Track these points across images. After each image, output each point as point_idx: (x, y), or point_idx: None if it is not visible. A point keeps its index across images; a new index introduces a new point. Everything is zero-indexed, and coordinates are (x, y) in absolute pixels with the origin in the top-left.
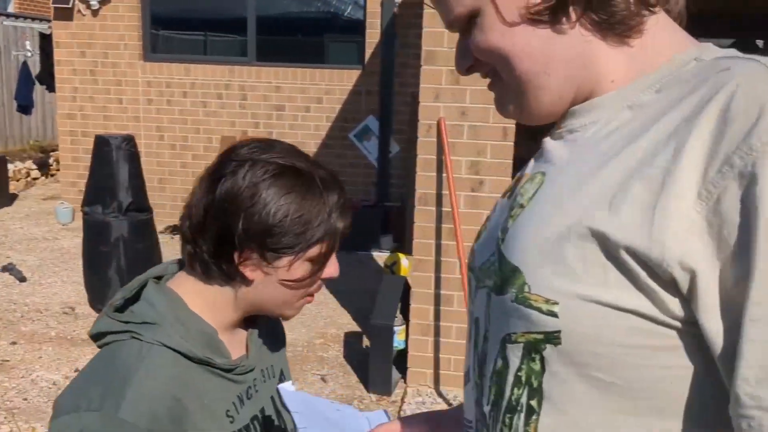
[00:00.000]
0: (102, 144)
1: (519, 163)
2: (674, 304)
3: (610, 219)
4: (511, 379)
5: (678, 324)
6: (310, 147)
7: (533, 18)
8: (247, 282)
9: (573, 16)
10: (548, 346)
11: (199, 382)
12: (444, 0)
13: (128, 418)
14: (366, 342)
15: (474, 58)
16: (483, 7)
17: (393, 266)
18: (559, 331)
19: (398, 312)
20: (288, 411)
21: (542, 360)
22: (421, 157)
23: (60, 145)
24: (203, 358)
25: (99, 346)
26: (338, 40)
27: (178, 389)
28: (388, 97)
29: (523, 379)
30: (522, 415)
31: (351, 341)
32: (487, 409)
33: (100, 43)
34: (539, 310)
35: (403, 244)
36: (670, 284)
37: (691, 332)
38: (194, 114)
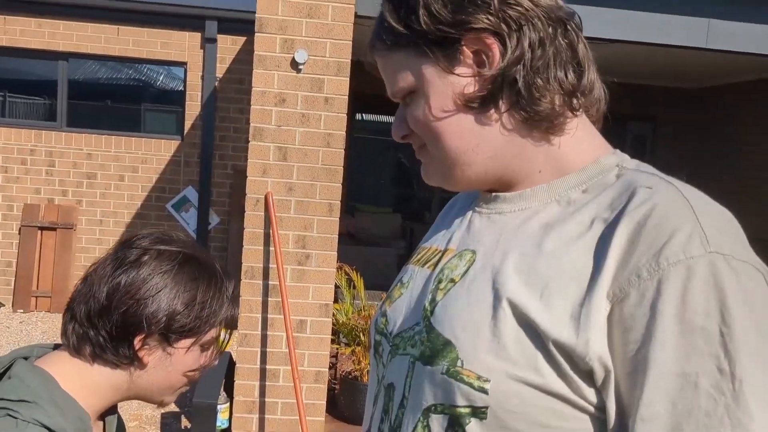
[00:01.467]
0: None
1: (342, 238)
2: (590, 393)
3: (543, 309)
4: None
5: (592, 410)
6: (124, 217)
7: (465, 104)
8: (141, 365)
9: (502, 107)
10: (473, 420)
11: None
12: (390, 72)
13: None
14: (185, 422)
15: (409, 129)
16: (422, 85)
17: None
18: (487, 407)
19: (222, 389)
20: None
21: None
22: (248, 231)
23: None
24: None
25: None
26: (157, 110)
27: None
28: (208, 168)
29: None
30: None
31: (169, 422)
32: None
33: None
34: (470, 385)
35: None
36: (588, 375)
37: (601, 419)
38: None
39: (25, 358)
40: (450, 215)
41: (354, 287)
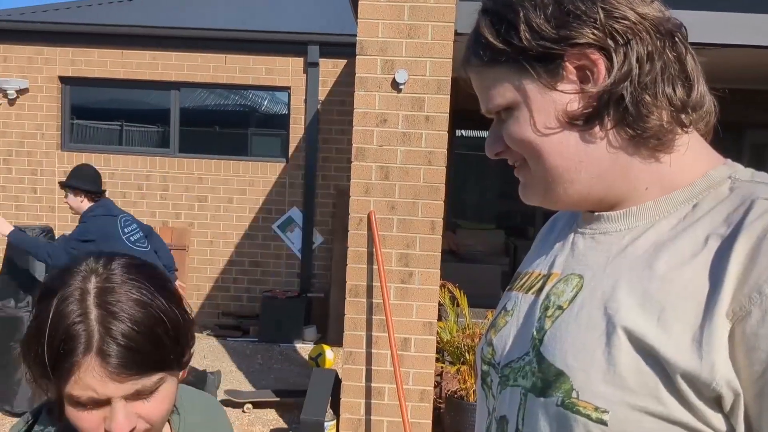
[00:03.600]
0: None
1: (445, 255)
2: (717, 419)
3: (662, 335)
4: None
5: None
6: (233, 238)
7: (569, 122)
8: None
9: (607, 125)
10: None
11: None
12: (485, 87)
13: None
14: None
15: (505, 145)
16: (521, 102)
17: (317, 358)
18: None
19: (329, 407)
20: None
21: None
22: (352, 250)
23: None
24: None
25: None
26: (262, 134)
27: None
28: (312, 189)
29: None
30: None
31: None
32: None
33: (15, 132)
34: (588, 417)
35: (326, 335)
36: (715, 401)
37: None
38: None
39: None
40: (551, 237)
41: (458, 305)
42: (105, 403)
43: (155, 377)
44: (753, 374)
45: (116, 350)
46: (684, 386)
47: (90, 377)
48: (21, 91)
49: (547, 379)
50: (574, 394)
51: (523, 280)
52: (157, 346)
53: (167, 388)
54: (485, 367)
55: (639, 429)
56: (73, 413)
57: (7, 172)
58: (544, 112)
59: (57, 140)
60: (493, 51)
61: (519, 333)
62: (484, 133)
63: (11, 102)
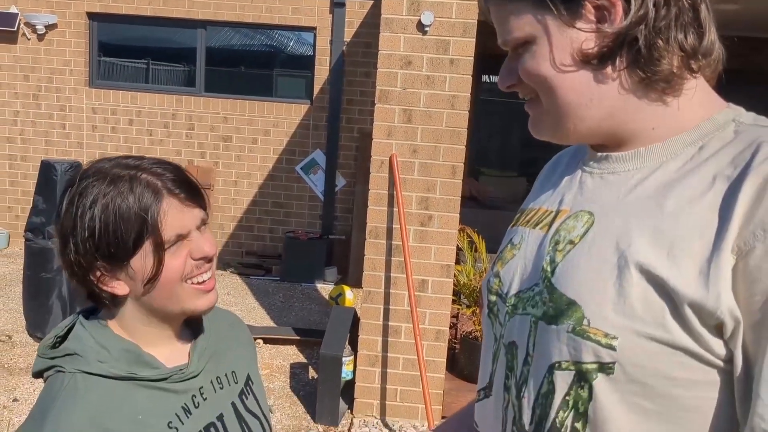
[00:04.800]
0: (47, 169)
1: (466, 201)
2: (717, 345)
3: (672, 268)
4: (557, 402)
5: (720, 363)
6: (256, 178)
7: (583, 60)
8: (122, 299)
9: (619, 65)
10: (600, 375)
11: (131, 400)
12: (504, 20)
13: None
14: (312, 373)
15: (518, 79)
16: (539, 37)
17: (338, 298)
18: (614, 363)
19: (347, 343)
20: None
21: (590, 388)
22: (373, 192)
23: None
24: (126, 375)
25: None
26: (287, 75)
27: (102, 413)
28: (335, 131)
29: (570, 403)
30: None
31: (297, 372)
32: (530, 428)
33: (44, 67)
34: (598, 342)
35: (347, 276)
36: (716, 328)
37: (727, 370)
38: (139, 142)
39: (95, 310)
40: (554, 175)
41: (476, 250)
42: (186, 237)
43: (203, 213)
44: (753, 304)
45: (177, 184)
46: (690, 314)
47: (172, 214)
48: (50, 27)
49: (558, 308)
50: (585, 322)
51: (529, 216)
52: (194, 182)
53: (209, 227)
54: (492, 298)
55: (644, 353)
56: (167, 260)
57: (36, 107)
58: (560, 49)
59: (85, 77)
60: None
61: (527, 265)
62: None
63: (40, 37)
